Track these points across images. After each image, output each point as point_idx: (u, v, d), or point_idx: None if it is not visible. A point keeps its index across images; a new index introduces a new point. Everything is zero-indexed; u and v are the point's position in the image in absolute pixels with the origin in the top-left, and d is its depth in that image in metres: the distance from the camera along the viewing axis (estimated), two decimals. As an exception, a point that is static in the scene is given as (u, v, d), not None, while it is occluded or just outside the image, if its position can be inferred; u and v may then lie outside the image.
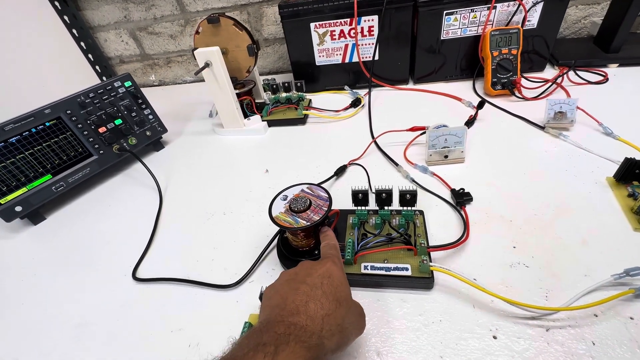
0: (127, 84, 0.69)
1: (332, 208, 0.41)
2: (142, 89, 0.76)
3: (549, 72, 0.78)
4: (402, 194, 0.42)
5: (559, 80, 0.71)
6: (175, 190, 0.64)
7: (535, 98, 0.69)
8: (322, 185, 0.53)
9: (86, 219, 0.61)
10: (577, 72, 0.73)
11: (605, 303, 0.33)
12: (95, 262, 0.51)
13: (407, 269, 0.39)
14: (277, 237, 0.47)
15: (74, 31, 1.02)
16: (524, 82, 0.72)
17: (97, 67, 1.09)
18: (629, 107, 0.63)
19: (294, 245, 0.44)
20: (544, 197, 0.48)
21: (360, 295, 0.40)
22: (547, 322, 0.34)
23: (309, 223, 0.38)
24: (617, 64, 0.75)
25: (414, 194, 0.42)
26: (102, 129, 0.65)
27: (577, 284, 0.37)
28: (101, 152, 0.66)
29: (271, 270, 0.45)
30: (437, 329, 0.35)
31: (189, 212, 0.58)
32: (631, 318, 0.33)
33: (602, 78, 0.71)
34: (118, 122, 0.67)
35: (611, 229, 0.42)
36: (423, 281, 0.38)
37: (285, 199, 0.42)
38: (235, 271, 0.45)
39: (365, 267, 0.40)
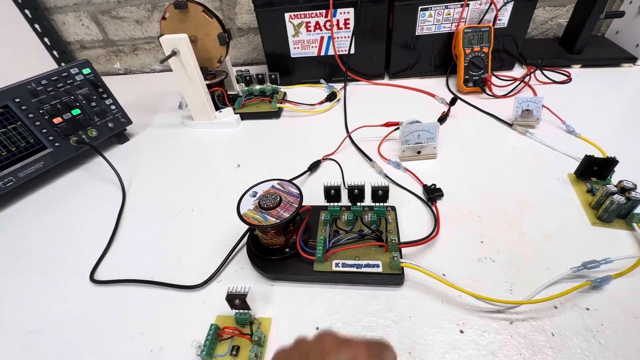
0: (86, 71, 0.64)
1: (305, 204, 0.40)
2: (106, 78, 0.71)
3: (518, 71, 0.81)
4: (375, 190, 0.42)
5: (526, 79, 0.73)
6: (140, 185, 0.60)
7: (505, 96, 0.71)
8: (295, 181, 0.52)
9: (40, 216, 0.56)
10: (544, 71, 0.75)
11: (564, 295, 0.35)
12: (48, 264, 0.47)
13: (378, 266, 0.39)
14: (247, 235, 0.45)
15: (27, 12, 0.93)
16: (494, 80, 0.73)
17: (55, 53, 1.01)
18: (589, 106, 0.66)
19: (264, 244, 0.42)
20: (510, 192, 0.49)
21: (331, 292, 0.39)
22: (511, 315, 0.35)
23: (278, 220, 0.37)
24: (580, 65, 0.78)
25: (386, 190, 0.42)
26: (57, 120, 0.60)
27: (539, 277, 0.38)
28: (57, 144, 0.61)
29: (240, 270, 0.43)
30: (407, 325, 0.35)
31: (154, 209, 0.55)
32: (587, 309, 0.35)
33: (566, 78, 0.74)
34: (75, 112, 0.62)
35: (571, 223, 0.44)
36: (394, 278, 0.38)
37: (254, 196, 0.41)
38: (203, 271, 0.43)
39: (337, 265, 0.39)
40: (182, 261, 0.45)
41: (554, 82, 0.74)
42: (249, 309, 0.35)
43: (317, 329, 0.36)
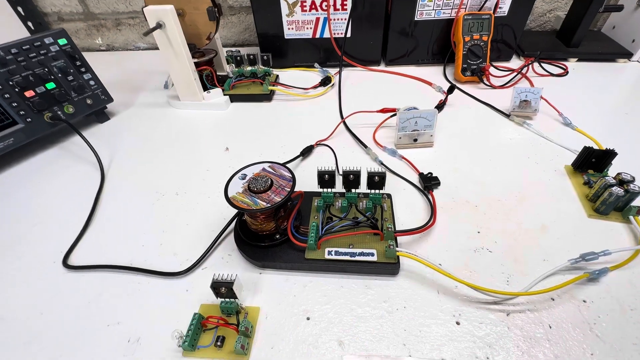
0: (62, 41, 0.59)
1: (296, 189, 0.38)
2: (86, 53, 0.66)
3: (515, 63, 0.79)
4: (371, 176, 0.40)
5: (524, 71, 0.72)
6: (120, 166, 0.56)
7: (502, 87, 0.70)
8: (287, 165, 0.50)
9: (10, 196, 0.52)
10: (541, 64, 0.75)
11: (562, 288, 0.34)
12: (18, 247, 0.44)
13: (372, 255, 0.37)
14: (235, 220, 0.43)
15: (-2, -23, 0.86)
16: (491, 70, 0.72)
17: (30, 24, 0.94)
18: (585, 100, 0.65)
19: (253, 229, 0.40)
20: (507, 183, 0.48)
21: (323, 281, 0.37)
22: (508, 307, 0.34)
23: (269, 205, 0.35)
24: (577, 59, 0.78)
25: (382, 177, 0.40)
26: (29, 93, 0.56)
27: (536, 269, 0.37)
28: (28, 119, 0.56)
29: (227, 256, 0.41)
30: (401, 316, 0.34)
31: (135, 192, 0.51)
32: (584, 301, 0.34)
33: (562, 71, 0.74)
34: (50, 85, 0.58)
35: (568, 215, 0.43)
36: (389, 267, 0.36)
37: (244, 178, 0.38)
38: (187, 257, 0.41)
39: (330, 253, 0.37)
40: (165, 247, 0.43)
41: (551, 74, 0.73)
42: (235, 297, 0.33)
43: (308, 319, 0.34)
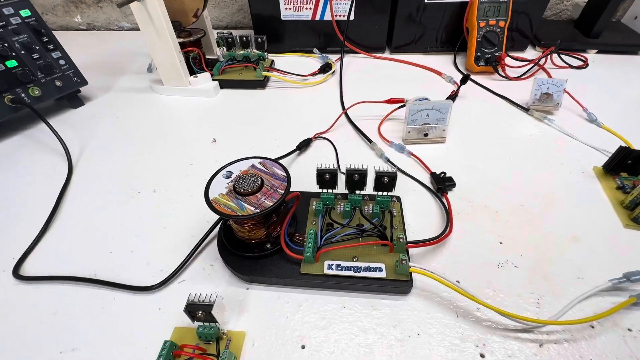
0: (25, 13, 0.52)
1: (292, 191, 0.32)
2: (64, 32, 0.59)
3: (530, 54, 0.74)
4: (379, 177, 0.34)
5: (541, 62, 0.66)
6: (92, 158, 0.50)
7: (518, 78, 0.64)
8: (281, 161, 0.44)
9: (-40, 191, 0.45)
10: (560, 55, 0.69)
11: (606, 316, 0.29)
12: (-38, 252, 0.37)
13: (380, 270, 0.31)
14: (220, 224, 0.37)
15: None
16: (506, 60, 0.66)
17: (1, -2, 0.85)
18: (609, 94, 0.60)
19: (240, 237, 0.34)
20: (530, 185, 0.43)
21: (321, 300, 0.32)
22: (541, 336, 0.29)
23: (258, 210, 0.29)
24: (596, 50, 0.72)
25: (393, 177, 0.34)
26: (-15, 72, 0.48)
27: (570, 288, 0.32)
28: (-15, 102, 0.49)
29: (209, 267, 0.35)
30: (414, 345, 0.28)
31: (107, 188, 0.45)
32: (629, 330, 0.29)
33: (582, 63, 0.68)
34: (11, 64, 0.50)
35: (601, 224, 0.38)
36: (399, 285, 0.31)
37: (229, 177, 0.32)
38: (162, 267, 0.35)
39: (330, 267, 0.32)
40: (137, 254, 0.36)
41: (571, 66, 0.67)
42: (215, 321, 0.27)
43: (303, 347, 0.29)
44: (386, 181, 0.34)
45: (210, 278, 0.34)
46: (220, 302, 0.28)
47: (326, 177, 0.35)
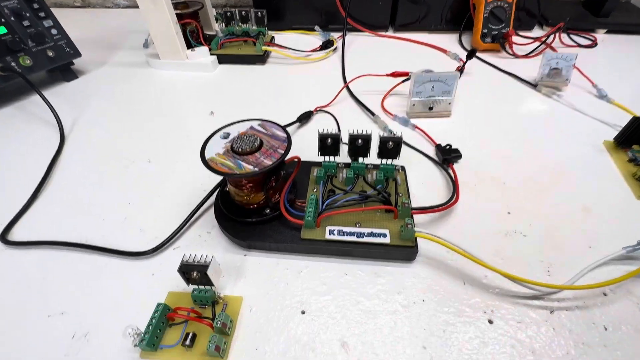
0: (14, -23, 0.50)
1: (295, 158, 0.31)
2: (58, 9, 0.56)
3: (537, 33, 0.71)
4: (383, 142, 0.33)
5: (550, 40, 0.64)
6: (85, 129, 0.48)
7: (526, 56, 0.62)
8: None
9: (-53, 160, 0.43)
10: (569, 34, 0.67)
11: (618, 282, 0.27)
12: (-52, 218, 0.36)
13: (385, 236, 0.30)
14: (217, 191, 0.35)
15: None
16: (514, 37, 0.64)
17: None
18: (619, 73, 0.58)
19: (238, 202, 0.32)
20: (539, 159, 0.41)
21: (322, 267, 0.30)
22: (551, 303, 0.28)
23: (257, 169, 0.27)
24: (605, 30, 0.70)
25: (398, 142, 0.33)
26: (-27, 37, 0.46)
27: (581, 257, 0.30)
28: (-27, 70, 0.47)
29: (205, 234, 0.33)
30: (420, 312, 0.27)
31: (100, 158, 0.43)
32: (643, 298, 0.28)
33: (591, 42, 0.66)
34: (0, 30, 0.48)
35: (613, 196, 0.36)
36: (404, 251, 0.30)
37: (226, 137, 0.31)
38: (156, 234, 0.33)
39: (332, 232, 0.30)
40: (130, 222, 0.35)
41: (579, 45, 0.65)
42: (211, 284, 0.26)
43: (303, 312, 0.27)
44: (391, 147, 0.33)
45: (207, 245, 0.33)
46: (216, 263, 0.26)
47: (328, 143, 0.33)
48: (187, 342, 0.25)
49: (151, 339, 0.24)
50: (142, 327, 0.24)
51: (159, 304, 0.26)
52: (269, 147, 0.29)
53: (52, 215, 0.36)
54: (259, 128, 0.31)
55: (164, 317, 0.26)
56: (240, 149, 0.29)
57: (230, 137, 0.30)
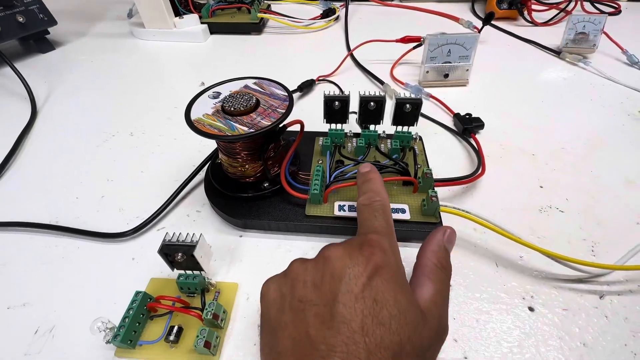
0: None
1: (297, 122, 0.26)
2: None
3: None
4: (400, 105, 0.28)
5: (570, 7, 0.59)
6: (60, 102, 0.43)
7: (546, 24, 0.57)
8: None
9: None
10: (593, 1, 0.62)
11: (680, 259, 0.23)
12: None
13: (404, 211, 0.26)
14: (208, 163, 0.31)
15: None
16: (532, 5, 0.59)
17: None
18: (647, 40, 0.53)
19: (232, 174, 0.28)
20: (570, 129, 0.37)
21: (330, 249, 0.26)
22: (601, 287, 0.24)
23: (252, 130, 0.23)
24: (628, -2, 0.65)
25: (417, 104, 0.28)
26: None
27: (629, 235, 0.26)
28: None
29: (195, 213, 0.29)
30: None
31: (76, 131, 0.38)
32: None
33: (614, 9, 0.61)
34: (-40, -11, 0.43)
35: (658, 167, 0.32)
36: (427, 228, 0.25)
37: (216, 97, 0.26)
38: (137, 214, 0.29)
39: (341, 208, 0.26)
40: (108, 200, 0.30)
41: (602, 12, 0.60)
42: (200, 269, 0.22)
43: (310, 301, 0.23)
44: (409, 109, 0.28)
45: (196, 225, 0.28)
46: (205, 243, 0.22)
47: (335, 106, 0.29)
48: (172, 337, 0.20)
49: (127, 334, 0.20)
50: (118, 320, 0.20)
51: (137, 292, 0.22)
52: (267, 106, 0.25)
53: (18, 194, 0.31)
54: (255, 87, 0.27)
55: (144, 307, 0.21)
56: (232, 109, 0.24)
57: (221, 96, 0.26)
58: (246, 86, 0.27)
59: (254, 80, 0.27)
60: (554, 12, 0.59)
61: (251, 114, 0.24)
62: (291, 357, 0.15)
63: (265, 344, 0.17)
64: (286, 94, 0.26)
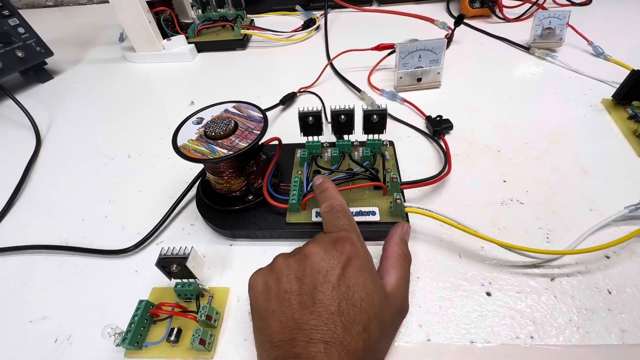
0: (-29, -26, 0.47)
1: (275, 139, 0.29)
2: (30, 11, 0.54)
3: (528, -5, 0.68)
4: (367, 115, 0.31)
5: (541, 1, 0.61)
6: (62, 129, 0.47)
7: (517, 19, 0.59)
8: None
9: None
10: (561, -8, 0.64)
11: (622, 243, 0.26)
12: None
13: (374, 213, 0.28)
14: (198, 181, 0.34)
15: None
16: (503, 1, 0.61)
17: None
18: (614, 30, 0.55)
19: (219, 190, 0.31)
20: (534, 123, 0.39)
21: (311, 251, 0.29)
22: (552, 270, 0.26)
23: (231, 152, 0.26)
24: (600, -14, 0.67)
25: (382, 115, 0.31)
26: None
27: (582, 221, 0.29)
28: (-61, 76, 0.45)
29: (189, 227, 0.32)
30: (415, 289, 0.26)
31: (79, 157, 0.42)
32: (648, 257, 0.26)
33: (585, 0, 0.63)
34: (-37, 32, 0.46)
35: (614, 156, 0.35)
36: (395, 228, 0.28)
37: (199, 123, 0.29)
38: (138, 230, 0.32)
39: (318, 214, 0.29)
40: (111, 219, 0.34)
41: (573, 3, 0.62)
42: (193, 277, 0.25)
43: (293, 299, 0.26)
44: (376, 120, 0.31)
45: (191, 237, 0.31)
46: (196, 254, 0.25)
47: (309, 121, 0.32)
48: (172, 337, 0.24)
49: (134, 337, 0.23)
50: (126, 325, 0.23)
51: (140, 301, 0.25)
52: (245, 129, 0.28)
53: (31, 219, 0.35)
54: (234, 110, 0.30)
55: (147, 313, 0.25)
56: (213, 133, 0.27)
57: (204, 122, 0.29)
58: (226, 110, 0.30)
59: (233, 104, 0.30)
60: (527, 6, 0.61)
61: (230, 137, 0.27)
62: (281, 336, 0.18)
63: (256, 328, 0.21)
64: (261, 115, 0.29)
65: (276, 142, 0.31)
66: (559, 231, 0.29)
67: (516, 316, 0.24)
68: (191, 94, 0.51)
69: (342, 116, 0.31)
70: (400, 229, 0.25)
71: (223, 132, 0.27)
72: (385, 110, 0.31)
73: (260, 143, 0.30)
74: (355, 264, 0.20)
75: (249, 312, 0.25)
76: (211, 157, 0.25)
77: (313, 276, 0.20)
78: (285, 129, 0.42)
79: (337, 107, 0.31)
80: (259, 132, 0.27)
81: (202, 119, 0.29)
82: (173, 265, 0.24)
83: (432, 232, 0.30)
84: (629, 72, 0.39)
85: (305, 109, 0.31)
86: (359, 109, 0.31)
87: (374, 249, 0.29)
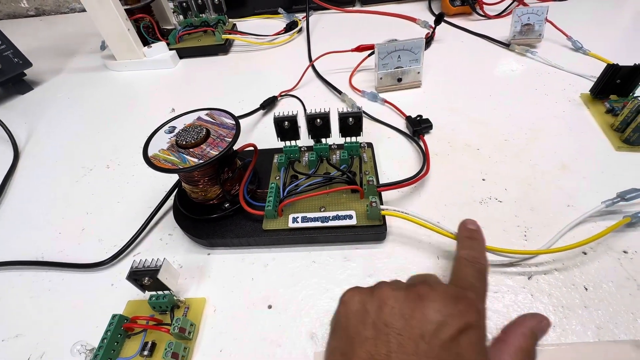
0: (-57, -13, 0.46)
1: (250, 145, 0.29)
2: (11, 21, 0.53)
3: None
4: (343, 119, 0.31)
5: (521, -4, 0.61)
6: (41, 142, 0.46)
7: (498, 16, 0.60)
8: (246, 120, 0.41)
9: None
10: (541, -13, 0.64)
11: (598, 239, 0.26)
12: None
13: (351, 217, 0.28)
14: (175, 191, 0.33)
15: None
16: (484, -2, 0.61)
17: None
18: (594, 23, 0.56)
19: (195, 199, 0.31)
20: (513, 120, 0.39)
21: (289, 257, 0.29)
22: (529, 268, 0.26)
23: (201, 161, 0.25)
24: (579, -19, 0.67)
25: (358, 118, 0.31)
26: None
27: (560, 217, 0.29)
28: None
29: (167, 237, 0.32)
30: (392, 292, 0.26)
31: (56, 170, 0.41)
32: (625, 252, 0.26)
33: (565, -6, 0.63)
34: (-64, 46, 0.46)
35: (592, 150, 0.35)
36: (372, 231, 0.28)
37: (171, 132, 0.28)
38: (115, 242, 0.32)
39: (295, 220, 0.29)
40: (88, 232, 0.33)
41: (553, -2, 0.63)
42: (167, 288, 0.24)
43: (270, 307, 0.26)
44: (352, 122, 0.31)
45: (168, 248, 0.31)
46: (169, 265, 0.25)
47: (285, 126, 0.31)
48: (146, 352, 0.23)
49: (106, 353, 0.23)
50: (91, 344, 0.23)
51: (113, 315, 0.24)
52: (217, 136, 0.27)
53: (5, 234, 0.34)
54: (207, 118, 0.29)
55: (121, 328, 0.24)
56: (184, 142, 0.27)
57: (176, 130, 0.28)
58: (199, 118, 0.29)
59: (206, 112, 0.30)
60: (507, 2, 0.61)
61: (202, 145, 0.27)
62: None
63: (335, 347, 0.18)
64: (234, 122, 0.28)
65: (252, 149, 0.31)
66: (537, 228, 0.29)
67: (492, 316, 0.24)
68: (173, 101, 0.50)
69: (318, 120, 0.31)
70: (537, 322, 0.20)
71: (194, 141, 0.27)
72: (360, 112, 0.30)
73: (234, 150, 0.29)
74: (473, 336, 0.17)
75: (330, 323, 0.21)
76: (181, 167, 0.25)
77: (422, 323, 0.17)
78: (265, 133, 0.42)
79: (313, 111, 0.31)
80: (230, 140, 0.27)
81: (174, 127, 0.29)
82: (145, 277, 0.24)
83: (411, 234, 0.29)
84: (605, 65, 0.39)
85: (281, 114, 0.31)
86: (335, 112, 0.31)
87: (349, 252, 0.28)
